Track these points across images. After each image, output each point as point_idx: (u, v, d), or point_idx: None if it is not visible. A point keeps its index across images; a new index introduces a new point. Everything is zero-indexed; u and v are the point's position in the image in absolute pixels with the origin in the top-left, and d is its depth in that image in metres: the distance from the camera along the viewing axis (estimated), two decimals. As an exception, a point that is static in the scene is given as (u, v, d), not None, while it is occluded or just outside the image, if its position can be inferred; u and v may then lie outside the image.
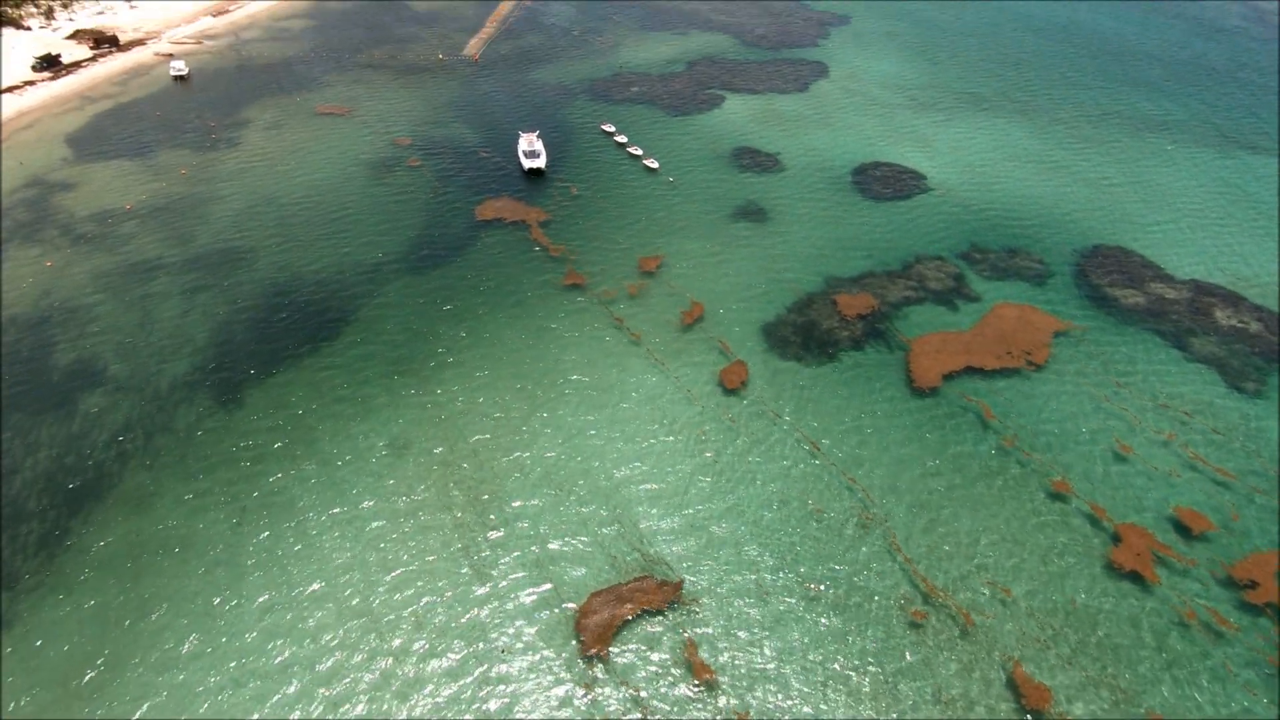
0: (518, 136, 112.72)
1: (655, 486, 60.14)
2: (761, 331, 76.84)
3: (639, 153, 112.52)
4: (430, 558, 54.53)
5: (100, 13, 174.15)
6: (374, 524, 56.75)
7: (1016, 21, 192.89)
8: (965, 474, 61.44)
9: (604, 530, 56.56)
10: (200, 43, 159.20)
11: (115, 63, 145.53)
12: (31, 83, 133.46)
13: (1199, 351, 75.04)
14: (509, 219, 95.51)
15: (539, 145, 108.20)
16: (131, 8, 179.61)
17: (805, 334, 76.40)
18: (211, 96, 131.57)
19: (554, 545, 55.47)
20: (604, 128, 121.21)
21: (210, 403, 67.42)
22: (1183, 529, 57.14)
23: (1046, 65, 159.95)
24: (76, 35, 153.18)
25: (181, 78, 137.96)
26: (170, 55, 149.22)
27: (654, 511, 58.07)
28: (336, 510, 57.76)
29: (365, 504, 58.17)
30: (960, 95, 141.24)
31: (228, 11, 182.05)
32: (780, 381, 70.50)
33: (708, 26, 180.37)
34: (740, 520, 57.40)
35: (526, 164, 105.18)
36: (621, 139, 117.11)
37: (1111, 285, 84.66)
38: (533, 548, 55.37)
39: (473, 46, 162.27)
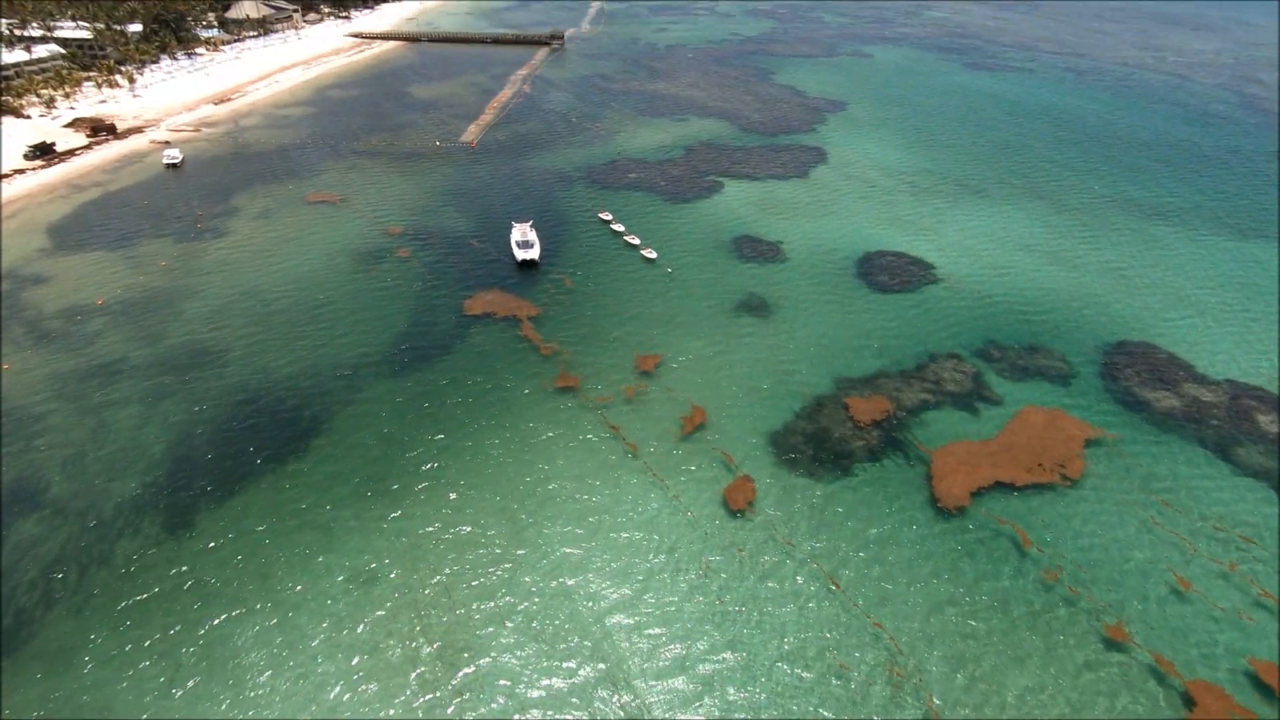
0: (511, 226, 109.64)
1: (655, 634, 52.63)
2: (769, 441, 70.67)
3: (636, 241, 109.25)
4: (390, 728, 46.63)
5: (103, 101, 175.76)
6: (329, 690, 48.96)
7: (1007, 107, 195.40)
8: (1006, 615, 54.05)
9: (596, 694, 48.77)
10: (199, 130, 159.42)
11: (110, 150, 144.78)
12: (21, 171, 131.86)
13: (1246, 463, 68.76)
14: (499, 314, 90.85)
15: (532, 235, 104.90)
16: (135, 96, 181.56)
17: (816, 444, 70.21)
18: (203, 184, 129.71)
19: (534, 715, 47.59)
20: (601, 215, 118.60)
21: (158, 528, 60.48)
22: (1262, 687, 49.45)
23: (1042, 150, 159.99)
24: (74, 123, 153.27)
25: (174, 165, 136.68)
26: (166, 143, 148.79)
27: (654, 668, 50.41)
28: (287, 666, 50.07)
29: (320, 662, 50.50)
30: (960, 180, 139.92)
31: (230, 100, 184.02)
32: (791, 501, 63.83)
33: (704, 112, 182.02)
34: (754, 681, 49.65)
35: (519, 255, 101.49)
36: (619, 227, 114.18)
37: (1142, 386, 79.11)
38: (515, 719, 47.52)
39: (471, 133, 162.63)
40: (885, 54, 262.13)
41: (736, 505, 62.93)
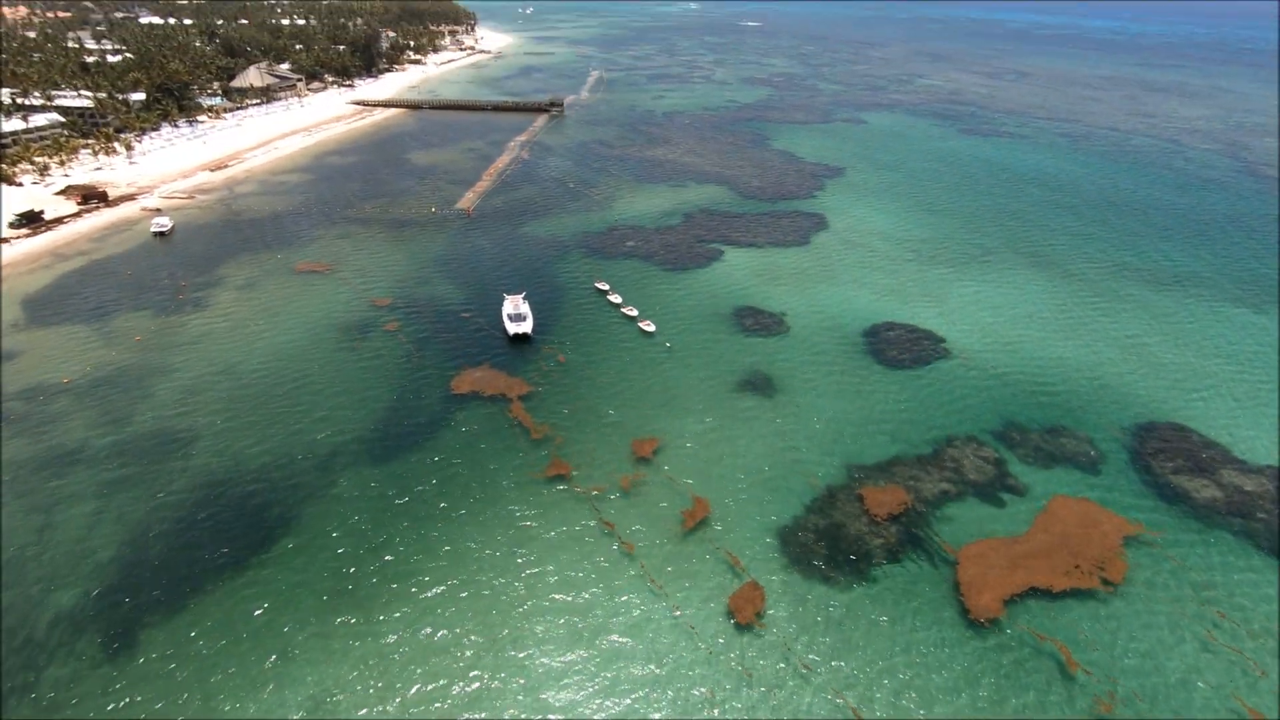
0: (502, 298, 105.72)
1: (652, 782, 45.58)
2: (778, 538, 64.55)
3: (634, 313, 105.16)
4: None
5: (98, 168, 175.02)
6: None
7: (1005, 172, 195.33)
8: (1057, 758, 47.13)
9: None
10: (192, 197, 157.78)
11: (99, 218, 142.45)
12: (6, 240, 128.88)
13: (1304, 564, 62.58)
14: (488, 392, 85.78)
15: (525, 308, 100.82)
16: (131, 163, 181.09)
17: (830, 542, 64.07)
18: (190, 253, 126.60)
19: None
20: (597, 285, 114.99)
21: (94, 649, 53.79)
22: None
23: (1047, 216, 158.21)
24: (65, 191, 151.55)
25: (163, 234, 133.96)
26: (157, 210, 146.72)
27: (650, 826, 43.22)
28: (223, 827, 42.89)
29: (262, 818, 43.34)
30: (965, 247, 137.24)
31: (226, 166, 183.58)
32: (805, 612, 57.36)
33: (703, 178, 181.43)
34: (767, 843, 42.46)
35: (511, 329, 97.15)
36: (616, 298, 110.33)
37: (1177, 474, 73.43)
38: None
39: (467, 199, 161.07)
40: (880, 120, 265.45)
41: (744, 617, 56.41)
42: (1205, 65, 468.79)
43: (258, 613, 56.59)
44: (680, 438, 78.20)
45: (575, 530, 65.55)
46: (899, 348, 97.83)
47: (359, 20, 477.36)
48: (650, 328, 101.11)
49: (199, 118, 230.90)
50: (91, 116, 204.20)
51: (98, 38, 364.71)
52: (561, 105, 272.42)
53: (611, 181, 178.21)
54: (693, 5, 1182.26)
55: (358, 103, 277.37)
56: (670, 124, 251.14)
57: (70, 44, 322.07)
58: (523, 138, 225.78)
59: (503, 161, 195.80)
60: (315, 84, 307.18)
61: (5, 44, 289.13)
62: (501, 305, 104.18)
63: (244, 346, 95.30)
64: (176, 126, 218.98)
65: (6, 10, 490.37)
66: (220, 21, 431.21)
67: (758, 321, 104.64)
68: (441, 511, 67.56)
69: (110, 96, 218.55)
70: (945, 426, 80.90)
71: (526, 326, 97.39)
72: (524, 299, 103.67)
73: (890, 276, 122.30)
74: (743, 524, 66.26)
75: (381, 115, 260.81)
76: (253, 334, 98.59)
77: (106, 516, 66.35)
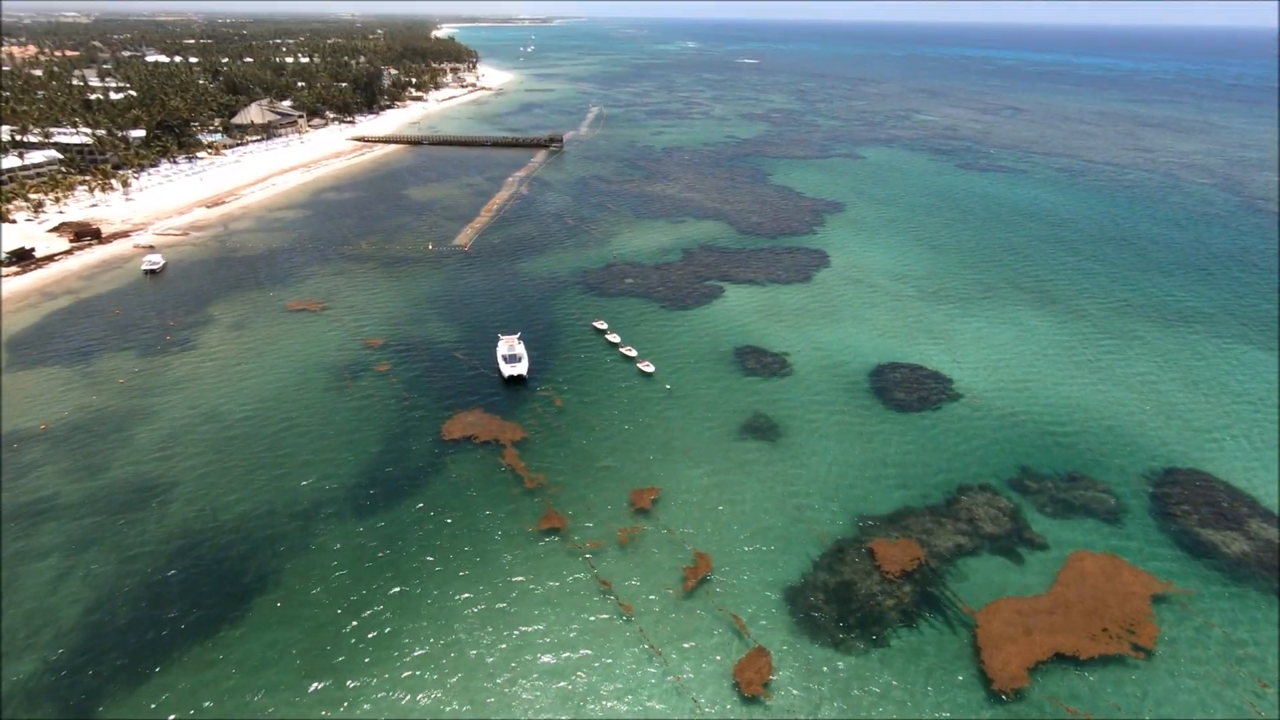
0: (497, 339, 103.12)
1: None
2: (784, 598, 60.84)
3: (633, 353, 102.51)
4: None
5: (94, 204, 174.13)
6: None
7: (1005, 207, 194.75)
8: None
9: None
10: (186, 234, 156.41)
11: (90, 256, 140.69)
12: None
13: (1344, 625, 58.84)
14: (480, 437, 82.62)
15: (520, 349, 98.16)
16: (128, 199, 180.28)
17: (840, 602, 60.37)
18: (180, 291, 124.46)
19: None
20: (596, 324, 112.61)
21: (49, 725, 49.86)
22: None
23: (1047, 252, 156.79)
24: (59, 228, 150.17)
25: (154, 271, 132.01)
26: (150, 247, 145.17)
27: None
28: None
29: None
30: (969, 284, 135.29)
31: (223, 203, 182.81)
32: (815, 681, 53.46)
33: (702, 214, 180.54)
34: None
35: (506, 370, 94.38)
36: (614, 337, 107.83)
37: (1203, 525, 69.98)
38: None
39: (465, 235, 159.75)
40: (878, 155, 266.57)
41: (750, 688, 52.49)
42: (1199, 100, 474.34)
43: (227, 681, 52.70)
44: (680, 486, 74.88)
45: (569, 587, 61.88)
46: (905, 389, 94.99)
47: (361, 58, 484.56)
48: (649, 368, 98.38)
49: (198, 154, 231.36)
50: (90, 153, 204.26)
51: (102, 75, 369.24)
52: (561, 141, 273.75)
53: (610, 217, 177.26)
54: (690, 44, 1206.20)
55: (358, 139, 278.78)
56: (669, 159, 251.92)
57: (75, 82, 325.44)
58: (522, 173, 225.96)
59: (501, 197, 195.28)
60: (317, 120, 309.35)
61: (9, 82, 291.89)
62: (496, 345, 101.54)
63: (230, 389, 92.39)
64: (175, 163, 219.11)
65: (16, 50, 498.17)
66: (225, 60, 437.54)
67: (759, 361, 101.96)
68: (427, 566, 63.93)
69: (109, 133, 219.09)
70: (956, 472, 77.66)
71: (522, 368, 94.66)
72: (519, 339, 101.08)
73: (893, 314, 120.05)
74: (747, 582, 62.59)
75: (381, 151, 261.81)
76: (240, 375, 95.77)
77: (73, 575, 62.66)
